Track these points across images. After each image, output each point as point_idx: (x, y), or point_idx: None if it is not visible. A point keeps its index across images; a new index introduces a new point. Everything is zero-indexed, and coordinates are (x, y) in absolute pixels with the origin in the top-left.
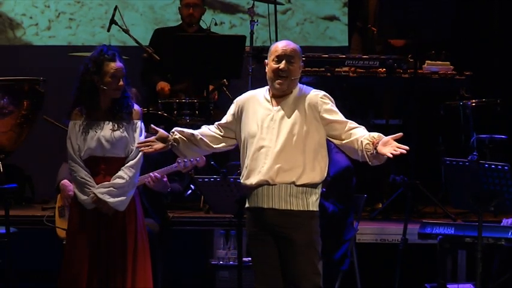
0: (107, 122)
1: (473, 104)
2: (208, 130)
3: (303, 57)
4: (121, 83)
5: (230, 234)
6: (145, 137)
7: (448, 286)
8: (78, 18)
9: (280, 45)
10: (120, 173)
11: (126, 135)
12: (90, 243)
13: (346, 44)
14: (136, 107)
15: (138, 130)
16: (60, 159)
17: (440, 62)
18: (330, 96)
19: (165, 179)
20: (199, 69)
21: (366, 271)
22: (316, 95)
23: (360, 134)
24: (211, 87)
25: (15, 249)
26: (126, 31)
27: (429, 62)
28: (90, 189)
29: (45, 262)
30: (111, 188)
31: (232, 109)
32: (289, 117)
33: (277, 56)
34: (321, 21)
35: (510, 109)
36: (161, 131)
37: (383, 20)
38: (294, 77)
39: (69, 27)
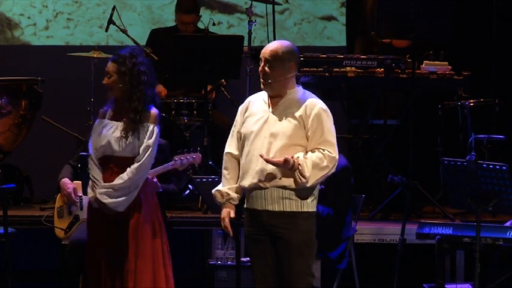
0: (120, 122)
1: (472, 104)
2: (234, 165)
3: (301, 57)
4: (104, 80)
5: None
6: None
7: (446, 286)
8: (76, 18)
9: (265, 47)
10: (123, 174)
11: (136, 138)
12: (99, 242)
13: (344, 44)
14: (153, 110)
15: (148, 133)
16: (59, 159)
17: (438, 62)
18: (328, 113)
19: (154, 180)
20: (197, 70)
21: (364, 271)
22: (316, 103)
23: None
24: (209, 87)
25: (14, 250)
26: (124, 31)
27: (427, 62)
28: (95, 188)
29: (43, 262)
30: (110, 189)
31: (238, 118)
32: (282, 120)
33: (260, 58)
34: (319, 21)
35: (508, 109)
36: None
37: (381, 21)
38: (273, 80)
39: (67, 27)
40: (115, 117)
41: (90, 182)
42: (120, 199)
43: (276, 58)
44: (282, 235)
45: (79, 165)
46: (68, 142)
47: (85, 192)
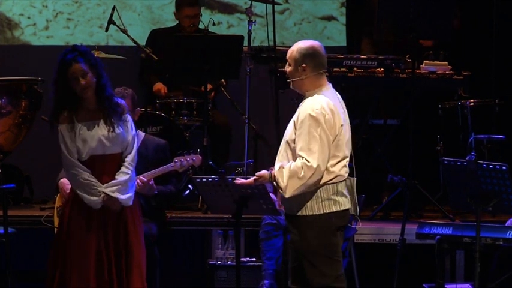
0: (102, 120)
1: (472, 104)
2: None
3: None
4: (82, 81)
5: (228, 234)
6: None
7: (446, 286)
8: (76, 18)
9: None
10: (122, 169)
11: (122, 130)
12: (97, 243)
13: (344, 44)
14: (120, 100)
15: (129, 124)
16: (59, 159)
17: (438, 62)
18: (319, 118)
19: (151, 182)
20: (197, 70)
21: (364, 271)
22: (308, 108)
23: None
24: (209, 86)
25: (14, 250)
26: (124, 31)
27: (427, 62)
28: (97, 189)
29: (43, 262)
30: (119, 186)
31: None
32: (290, 125)
33: None
34: (319, 21)
35: (508, 109)
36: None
37: (381, 21)
38: (291, 79)
39: (67, 27)
40: (86, 118)
41: (78, 187)
42: (130, 194)
43: (290, 57)
44: (291, 237)
45: None
46: None
47: None
